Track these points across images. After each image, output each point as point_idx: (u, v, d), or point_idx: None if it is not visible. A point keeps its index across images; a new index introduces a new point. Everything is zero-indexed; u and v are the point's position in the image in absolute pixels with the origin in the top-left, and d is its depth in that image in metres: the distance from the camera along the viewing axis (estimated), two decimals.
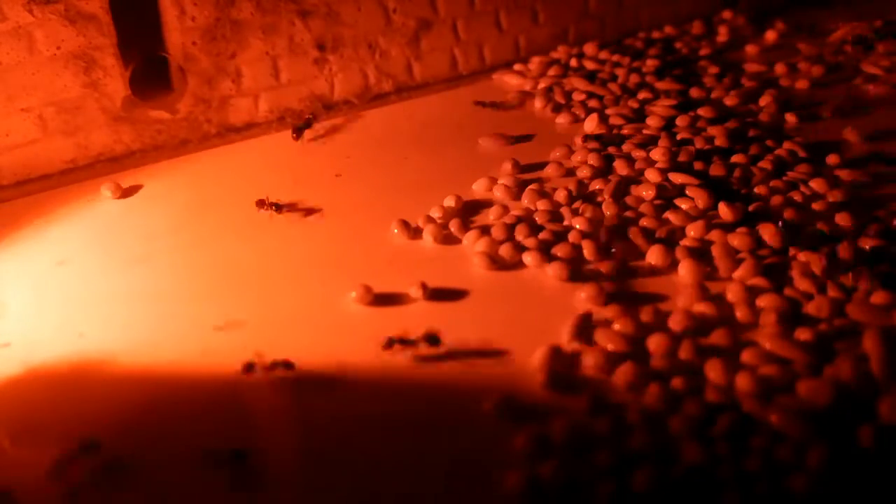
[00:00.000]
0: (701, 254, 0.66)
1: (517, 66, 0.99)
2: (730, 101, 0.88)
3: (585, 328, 0.59)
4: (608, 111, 0.87)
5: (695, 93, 0.90)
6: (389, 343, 0.58)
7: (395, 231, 0.71)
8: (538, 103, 0.91)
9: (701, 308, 0.60)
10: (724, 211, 0.69)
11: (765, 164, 0.76)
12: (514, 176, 0.77)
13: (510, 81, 0.97)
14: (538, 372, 0.56)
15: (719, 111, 0.86)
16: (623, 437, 0.50)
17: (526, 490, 0.48)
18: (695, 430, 0.50)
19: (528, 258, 0.67)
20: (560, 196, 0.73)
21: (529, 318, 0.61)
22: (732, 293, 0.61)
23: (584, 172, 0.77)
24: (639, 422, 0.51)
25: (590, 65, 0.97)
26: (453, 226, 0.71)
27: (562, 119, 0.88)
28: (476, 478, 0.49)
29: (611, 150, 0.79)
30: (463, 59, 0.98)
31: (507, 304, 0.63)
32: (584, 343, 0.58)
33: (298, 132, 0.85)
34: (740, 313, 0.60)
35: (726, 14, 1.10)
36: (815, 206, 0.71)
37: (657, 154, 0.77)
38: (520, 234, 0.69)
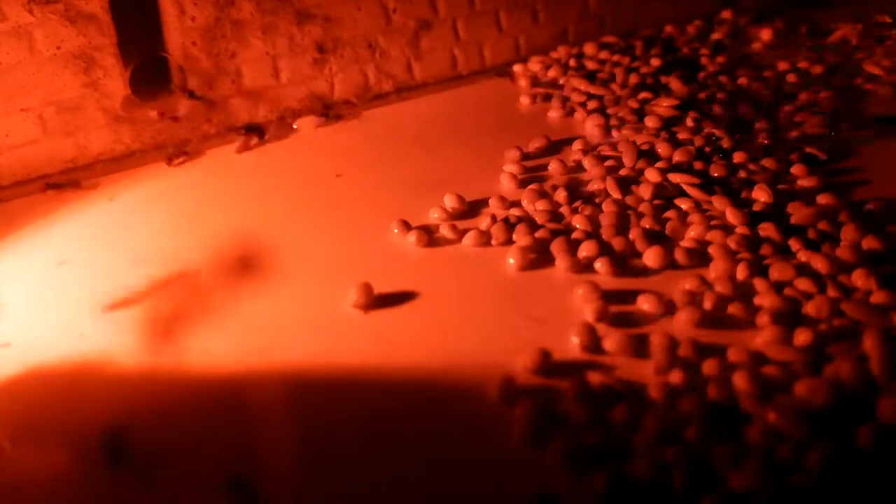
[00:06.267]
0: (700, 254, 0.66)
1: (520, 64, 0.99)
2: (730, 100, 0.88)
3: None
4: (609, 110, 0.87)
5: (695, 92, 0.90)
6: None
7: (395, 231, 0.71)
8: (531, 101, 0.91)
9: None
10: (730, 214, 0.69)
11: (766, 162, 0.76)
12: (513, 176, 0.77)
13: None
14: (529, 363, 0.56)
15: (719, 110, 0.86)
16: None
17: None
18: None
19: (528, 258, 0.67)
20: (560, 196, 0.73)
21: (528, 315, 0.61)
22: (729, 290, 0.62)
23: (583, 172, 0.77)
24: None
25: (590, 65, 0.97)
26: (453, 225, 0.71)
27: (561, 118, 0.88)
28: (481, 476, 0.50)
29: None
30: (463, 58, 0.98)
31: (507, 303, 0.63)
32: None
33: None
34: (739, 311, 0.60)
35: (726, 14, 1.10)
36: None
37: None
38: (519, 234, 0.69)
